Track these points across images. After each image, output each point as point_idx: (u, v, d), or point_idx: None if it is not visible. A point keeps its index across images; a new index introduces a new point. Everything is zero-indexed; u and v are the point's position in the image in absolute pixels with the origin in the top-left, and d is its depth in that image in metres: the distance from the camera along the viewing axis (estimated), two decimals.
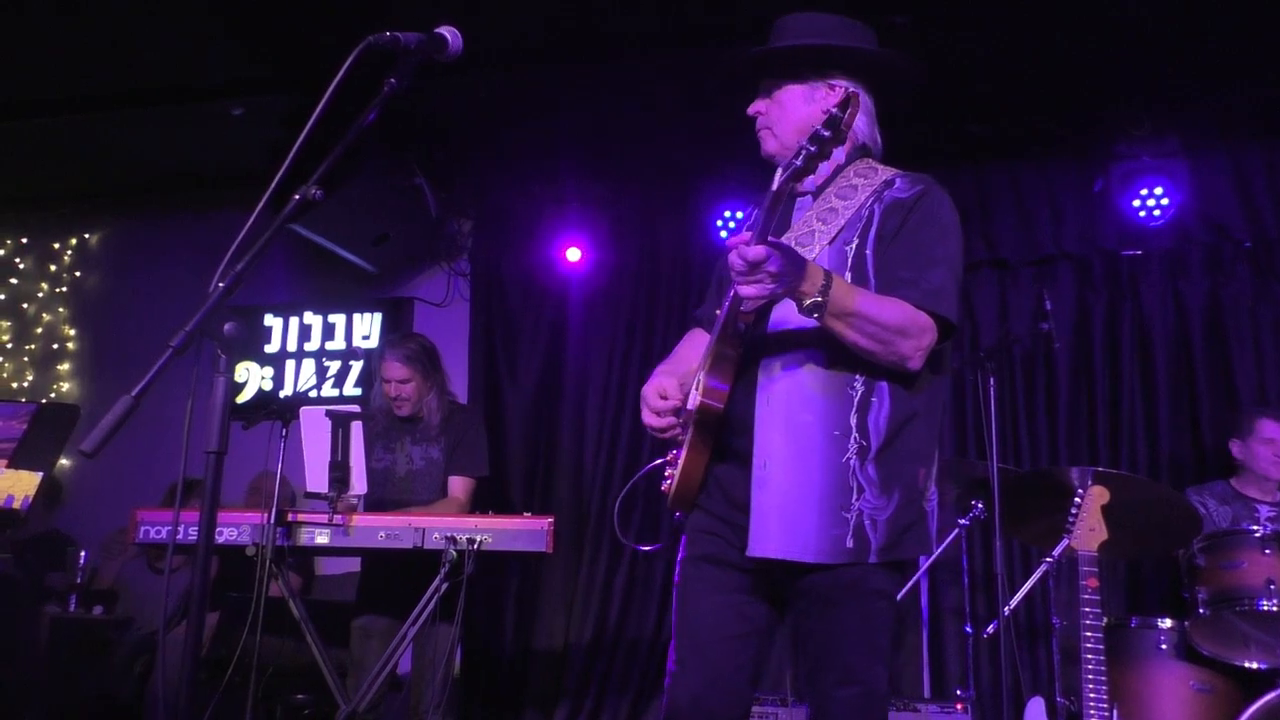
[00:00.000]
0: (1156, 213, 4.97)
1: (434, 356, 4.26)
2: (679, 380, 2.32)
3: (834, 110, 1.90)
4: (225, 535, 3.66)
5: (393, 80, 1.97)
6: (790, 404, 2.14)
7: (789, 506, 2.11)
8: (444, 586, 3.54)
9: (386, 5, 3.72)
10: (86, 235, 6.82)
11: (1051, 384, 5.14)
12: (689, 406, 2.23)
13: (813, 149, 1.90)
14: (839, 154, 2.27)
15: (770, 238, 1.92)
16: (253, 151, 4.80)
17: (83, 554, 5.04)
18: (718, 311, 2.23)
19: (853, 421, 2.13)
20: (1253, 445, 4.25)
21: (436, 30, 2.03)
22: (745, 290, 1.97)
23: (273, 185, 1.90)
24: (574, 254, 5.74)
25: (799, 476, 2.11)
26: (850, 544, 2.10)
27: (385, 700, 3.95)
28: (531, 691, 5.43)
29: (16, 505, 3.57)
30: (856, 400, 2.14)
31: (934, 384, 2.25)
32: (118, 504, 4.73)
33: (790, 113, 2.30)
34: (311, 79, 4.51)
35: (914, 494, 2.17)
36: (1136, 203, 4.99)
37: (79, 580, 5.02)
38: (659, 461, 2.43)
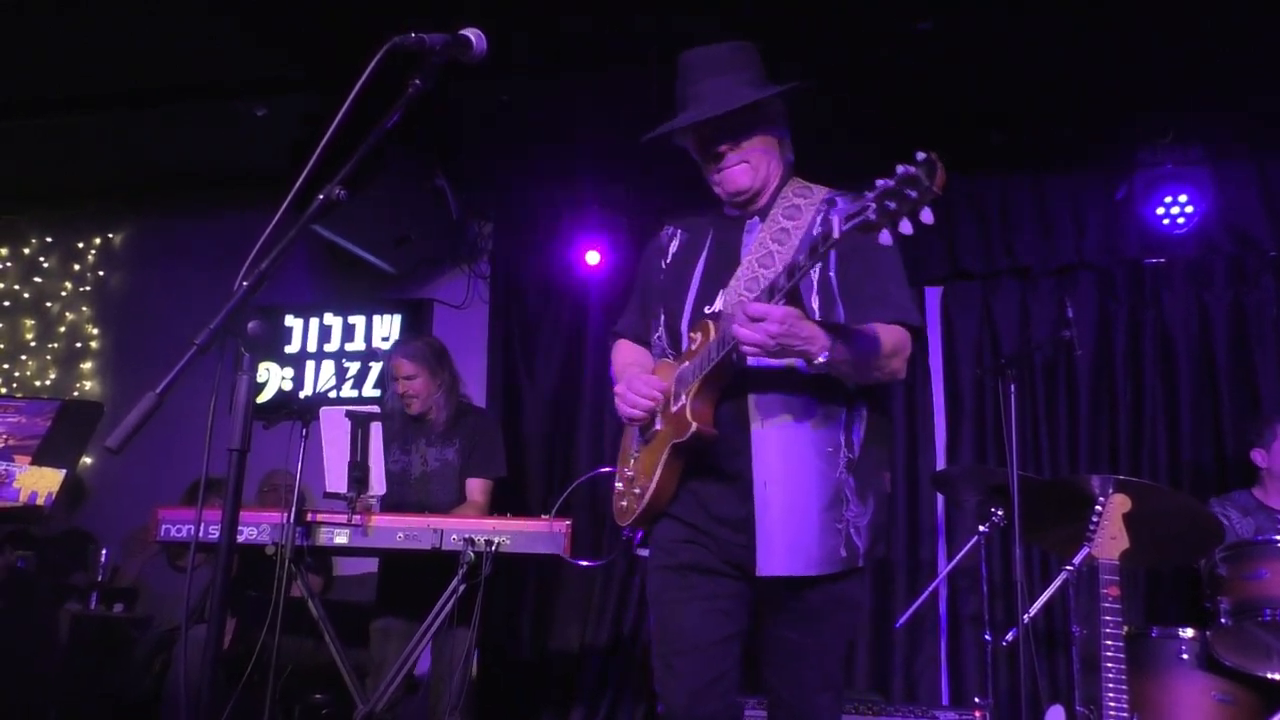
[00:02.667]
0: (1180, 220, 4.92)
1: (441, 355, 4.30)
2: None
3: (918, 173, 1.76)
4: (245, 534, 3.68)
5: (418, 81, 1.98)
6: (785, 427, 2.26)
7: (792, 524, 2.24)
8: (462, 588, 3.55)
9: (409, 6, 3.72)
10: (110, 235, 6.85)
11: (1072, 392, 5.10)
12: (658, 427, 2.34)
13: (891, 205, 1.79)
14: (775, 176, 2.43)
15: (782, 308, 2.03)
16: (275, 152, 4.82)
17: (104, 552, 5.06)
18: (694, 334, 2.34)
19: (841, 439, 2.29)
20: (1277, 452, 4.21)
21: (461, 32, 2.03)
22: (750, 338, 2.04)
23: (297, 185, 1.90)
24: (594, 257, 5.72)
25: (799, 495, 2.25)
26: (843, 553, 2.26)
27: (403, 701, 3.96)
28: (547, 694, 5.43)
29: (40, 502, 3.60)
30: (844, 418, 2.30)
31: (891, 391, 2.41)
32: (139, 502, 4.75)
33: (767, 152, 2.42)
34: (333, 79, 4.52)
35: (883, 497, 2.37)
36: (1160, 211, 4.95)
37: (100, 578, 5.04)
38: (601, 470, 2.53)
